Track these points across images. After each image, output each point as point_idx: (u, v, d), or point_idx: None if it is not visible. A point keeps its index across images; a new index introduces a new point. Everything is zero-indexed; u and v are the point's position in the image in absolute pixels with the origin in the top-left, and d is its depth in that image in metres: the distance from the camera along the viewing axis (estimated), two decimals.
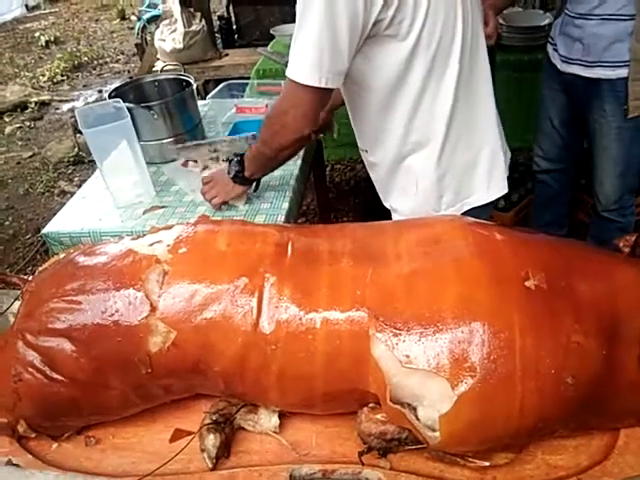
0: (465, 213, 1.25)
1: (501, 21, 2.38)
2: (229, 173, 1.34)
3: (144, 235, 0.87)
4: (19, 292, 0.88)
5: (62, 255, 0.87)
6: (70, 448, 0.82)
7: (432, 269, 0.73)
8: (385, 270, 0.74)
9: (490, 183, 1.27)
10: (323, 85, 1.05)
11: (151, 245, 0.81)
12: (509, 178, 2.81)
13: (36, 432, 0.80)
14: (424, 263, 0.74)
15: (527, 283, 0.70)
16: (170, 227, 0.86)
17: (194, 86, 1.64)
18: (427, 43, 1.09)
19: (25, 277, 0.86)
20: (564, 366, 0.66)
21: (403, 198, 1.29)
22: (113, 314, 0.73)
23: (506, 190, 1.30)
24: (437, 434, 0.67)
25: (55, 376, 0.74)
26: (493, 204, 1.32)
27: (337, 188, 3.23)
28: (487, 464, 0.72)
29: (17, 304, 0.88)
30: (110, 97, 1.55)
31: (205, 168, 1.57)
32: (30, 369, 0.74)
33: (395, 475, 0.73)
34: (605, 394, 0.71)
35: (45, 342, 0.74)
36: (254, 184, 1.40)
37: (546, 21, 2.35)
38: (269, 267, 0.75)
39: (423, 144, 1.20)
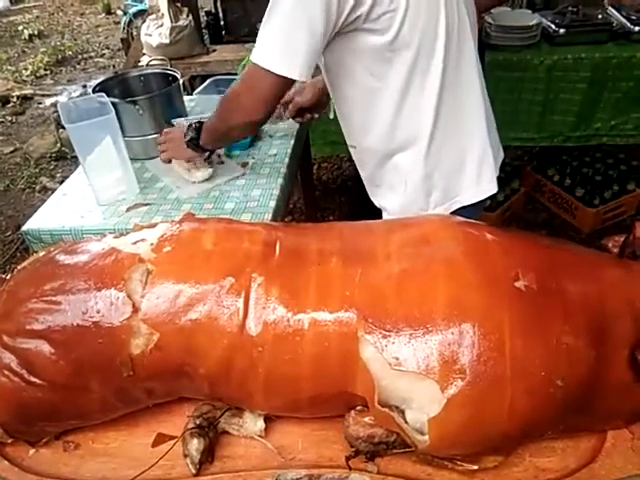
0: (454, 212, 1.25)
1: (490, 20, 2.38)
2: (185, 136, 1.37)
3: (127, 233, 0.84)
4: None
5: (42, 253, 0.84)
6: (48, 454, 0.80)
7: (422, 270, 0.72)
8: (375, 270, 0.73)
9: (479, 182, 1.26)
10: (284, 73, 1.05)
11: (134, 243, 0.79)
12: None
13: (12, 437, 0.77)
14: (414, 264, 0.73)
15: (517, 284, 0.69)
16: (154, 225, 0.84)
17: (180, 81, 1.61)
18: (408, 40, 1.08)
19: (2, 276, 0.83)
20: (554, 368, 0.66)
21: (391, 196, 1.28)
22: (94, 315, 0.70)
23: (495, 190, 1.29)
24: (426, 437, 0.66)
25: (33, 379, 0.71)
26: (483, 203, 1.31)
27: (324, 186, 3.22)
28: (475, 467, 0.71)
29: None
30: (94, 91, 1.52)
31: (189, 161, 1.54)
32: (6, 372, 0.72)
33: (382, 479, 0.72)
34: (594, 395, 0.70)
35: (23, 344, 0.72)
36: (207, 154, 1.42)
37: (534, 21, 2.35)
38: (256, 267, 0.73)
39: (410, 142, 1.20)
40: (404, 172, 1.22)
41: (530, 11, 2.51)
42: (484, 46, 2.19)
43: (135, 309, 0.71)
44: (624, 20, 2.33)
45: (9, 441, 0.78)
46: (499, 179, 2.67)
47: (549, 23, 2.39)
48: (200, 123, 1.35)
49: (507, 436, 0.67)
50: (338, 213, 2.93)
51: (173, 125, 1.54)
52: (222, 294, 0.71)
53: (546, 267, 0.72)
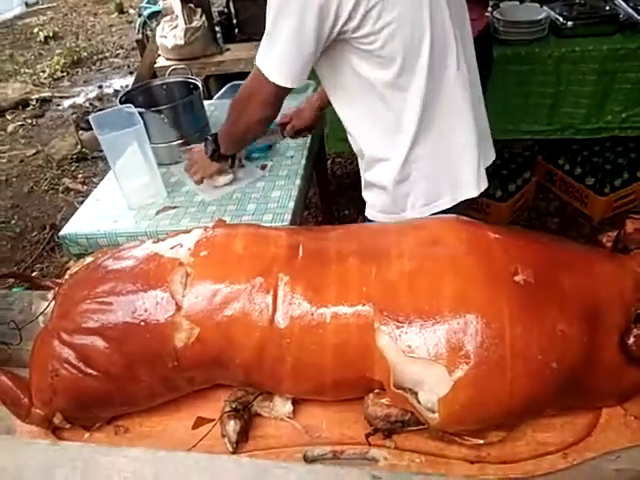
0: (434, 214, 1.30)
1: (498, 15, 2.42)
2: (206, 152, 1.47)
3: (165, 239, 0.93)
4: (50, 294, 0.95)
5: (89, 259, 0.94)
6: (101, 437, 0.90)
7: (430, 267, 0.80)
8: (388, 268, 0.81)
9: (459, 187, 1.31)
10: (289, 85, 1.16)
11: (173, 248, 0.88)
12: (507, 168, 2.85)
13: (70, 423, 0.87)
14: (423, 261, 0.81)
15: (516, 278, 0.77)
16: (189, 231, 0.93)
17: (201, 90, 1.70)
18: (392, 56, 1.14)
19: (57, 280, 0.93)
20: (550, 352, 0.74)
21: (373, 195, 1.36)
22: (142, 313, 0.80)
23: (476, 193, 1.32)
24: (436, 415, 0.74)
25: (89, 371, 0.81)
26: (464, 203, 1.34)
27: (338, 181, 3.29)
28: (482, 442, 0.79)
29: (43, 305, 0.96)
30: (121, 102, 1.61)
31: (218, 172, 1.63)
32: (66, 365, 0.82)
33: (399, 454, 0.81)
34: (588, 377, 0.78)
35: (79, 340, 0.82)
36: (230, 160, 1.52)
37: (542, 15, 2.39)
38: (282, 268, 0.82)
39: (387, 158, 1.26)
40: (385, 177, 1.28)
41: (538, 5, 2.54)
42: (493, 41, 2.23)
43: (178, 307, 0.80)
44: (631, 11, 2.36)
45: (67, 426, 0.88)
46: (511, 170, 2.72)
47: (557, 16, 2.42)
48: (215, 135, 1.44)
49: (508, 413, 0.75)
50: (352, 207, 3.00)
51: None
52: (253, 293, 0.80)
53: (543, 263, 0.79)
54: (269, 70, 1.15)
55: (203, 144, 1.49)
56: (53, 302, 0.89)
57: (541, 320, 0.74)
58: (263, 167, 1.64)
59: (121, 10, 7.52)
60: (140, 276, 0.83)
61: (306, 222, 2.96)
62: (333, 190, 3.07)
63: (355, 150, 1.38)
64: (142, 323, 0.80)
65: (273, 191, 1.52)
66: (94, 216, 1.52)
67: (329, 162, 3.32)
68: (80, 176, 3.94)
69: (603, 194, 2.64)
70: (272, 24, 1.12)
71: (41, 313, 0.90)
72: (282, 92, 1.20)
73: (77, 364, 0.82)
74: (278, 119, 1.71)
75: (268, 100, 1.23)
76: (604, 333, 0.78)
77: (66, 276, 0.92)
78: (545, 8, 2.49)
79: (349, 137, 1.36)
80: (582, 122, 2.50)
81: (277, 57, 1.13)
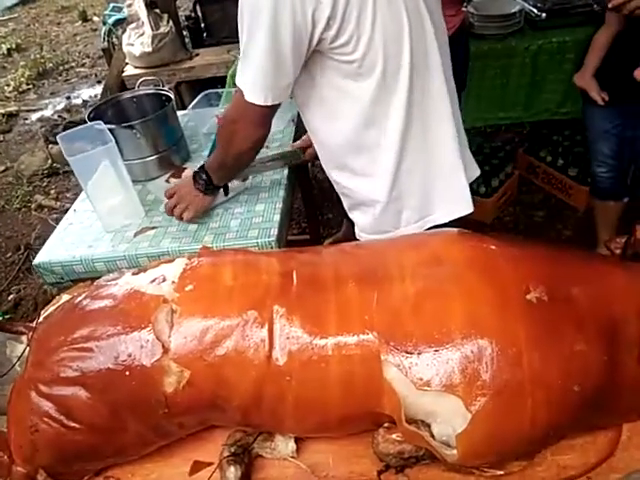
0: (428, 229, 1.24)
1: (472, 10, 2.39)
2: (198, 187, 1.36)
3: (146, 269, 0.86)
4: (22, 337, 0.87)
5: (64, 298, 0.86)
6: None
7: (436, 290, 0.75)
8: (390, 293, 0.76)
9: (453, 201, 1.25)
10: (269, 103, 1.09)
11: (155, 282, 0.81)
12: (489, 163, 2.84)
13: (55, 479, 0.80)
14: (427, 283, 0.76)
15: (528, 296, 0.72)
16: (172, 260, 0.86)
17: (174, 101, 1.62)
18: (371, 67, 1.08)
19: (30, 324, 0.85)
20: (570, 376, 0.69)
21: (363, 216, 1.28)
22: (126, 359, 0.73)
23: (470, 210, 1.25)
24: (454, 451, 0.69)
25: (72, 424, 0.74)
26: (458, 220, 1.27)
27: (320, 184, 3.23)
28: (501, 472, 0.75)
29: (17, 347, 0.88)
30: (90, 118, 1.53)
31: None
32: (46, 419, 0.75)
33: None
34: (609, 395, 0.74)
35: (59, 391, 0.74)
36: (223, 190, 1.43)
37: (516, 8, 2.36)
38: (276, 298, 0.76)
39: (376, 166, 1.19)
40: (373, 195, 1.22)
41: None
42: (468, 36, 2.20)
43: (165, 349, 0.74)
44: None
45: None
46: (493, 165, 2.70)
47: (531, 7, 2.40)
48: (202, 167, 1.34)
49: (530, 443, 0.71)
50: (336, 210, 2.95)
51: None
52: (247, 328, 0.74)
53: (554, 278, 0.75)
54: (247, 89, 1.08)
55: (191, 180, 1.37)
56: (28, 348, 0.82)
57: (558, 342, 0.70)
58: (244, 179, 1.57)
59: (85, 18, 7.33)
60: (121, 317, 0.76)
61: (289, 228, 2.89)
62: (316, 194, 3.01)
63: (330, 169, 1.28)
64: (127, 369, 0.73)
65: (257, 204, 1.45)
66: (68, 242, 1.43)
67: (309, 165, 3.26)
68: (52, 192, 3.81)
69: (587, 184, 2.61)
70: (246, 38, 1.04)
71: (17, 362, 0.82)
72: (268, 110, 1.12)
73: (58, 417, 0.75)
74: (299, 143, 1.66)
75: (255, 121, 1.14)
76: (623, 348, 0.74)
77: (40, 319, 0.84)
78: (519, 1, 2.47)
79: (323, 156, 1.27)
80: (558, 106, 2.50)
81: (253, 73, 1.06)
